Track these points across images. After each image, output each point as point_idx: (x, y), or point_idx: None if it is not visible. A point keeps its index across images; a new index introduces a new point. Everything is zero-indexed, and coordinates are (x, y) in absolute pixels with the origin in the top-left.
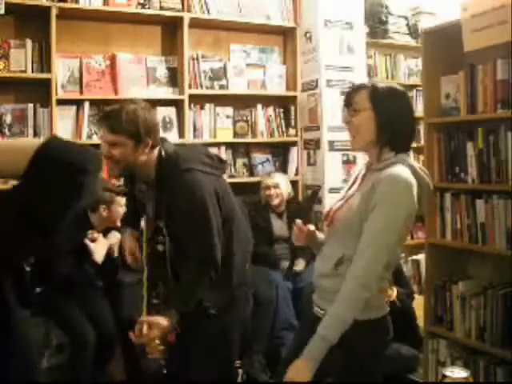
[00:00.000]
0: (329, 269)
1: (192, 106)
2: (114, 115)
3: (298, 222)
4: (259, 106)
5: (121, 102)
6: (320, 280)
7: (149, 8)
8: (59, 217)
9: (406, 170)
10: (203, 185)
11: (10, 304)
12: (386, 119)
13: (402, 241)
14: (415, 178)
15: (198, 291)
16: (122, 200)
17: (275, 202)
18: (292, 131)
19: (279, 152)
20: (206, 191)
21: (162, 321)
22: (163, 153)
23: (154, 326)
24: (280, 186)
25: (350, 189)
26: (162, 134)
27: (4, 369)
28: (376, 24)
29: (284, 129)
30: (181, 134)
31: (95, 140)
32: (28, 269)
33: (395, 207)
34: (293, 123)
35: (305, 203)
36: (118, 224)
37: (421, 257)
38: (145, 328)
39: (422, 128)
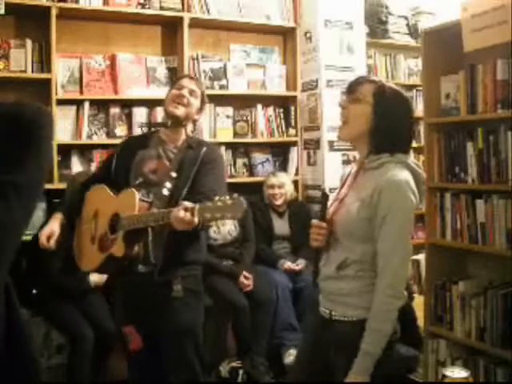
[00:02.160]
0: (332, 271)
1: None
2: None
3: (315, 221)
4: (259, 106)
5: (121, 102)
6: (324, 282)
7: (149, 8)
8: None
9: (403, 170)
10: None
11: (16, 304)
12: (383, 119)
13: None
14: (412, 175)
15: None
16: None
17: (279, 201)
18: (292, 131)
19: (279, 152)
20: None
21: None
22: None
23: None
24: (285, 186)
25: (342, 187)
26: None
27: (10, 368)
28: (376, 24)
29: (284, 129)
30: None
31: (95, 140)
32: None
33: (405, 213)
34: (293, 123)
35: (305, 203)
36: None
37: (421, 257)
38: None
39: (422, 128)
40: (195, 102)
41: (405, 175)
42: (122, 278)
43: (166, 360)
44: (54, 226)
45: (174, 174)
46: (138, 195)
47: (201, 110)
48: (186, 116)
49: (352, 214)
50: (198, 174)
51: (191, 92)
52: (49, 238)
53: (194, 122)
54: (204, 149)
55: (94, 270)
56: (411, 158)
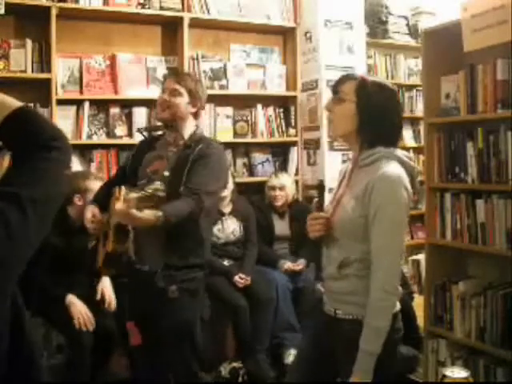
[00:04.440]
0: (334, 271)
1: None
2: (182, 72)
3: (315, 214)
4: (259, 106)
5: (121, 102)
6: (328, 281)
7: (149, 8)
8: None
9: (395, 165)
10: (224, 160)
11: (19, 303)
12: (368, 115)
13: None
14: (405, 169)
15: (184, 213)
16: (97, 188)
17: (279, 203)
18: (292, 131)
19: (279, 152)
20: (224, 164)
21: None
22: (198, 129)
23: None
24: (286, 187)
25: (339, 187)
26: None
27: (13, 368)
28: (376, 24)
29: (284, 129)
30: None
31: (95, 140)
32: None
33: (397, 208)
34: (293, 123)
35: (306, 204)
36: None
37: (421, 257)
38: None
39: (422, 128)
40: (180, 100)
41: (397, 171)
42: (125, 276)
43: (163, 359)
44: (95, 209)
45: (166, 173)
46: (120, 190)
47: (193, 103)
48: (173, 117)
49: (348, 213)
50: (189, 171)
51: (172, 92)
52: (93, 219)
53: (195, 116)
54: (200, 146)
55: (101, 266)
56: (403, 152)
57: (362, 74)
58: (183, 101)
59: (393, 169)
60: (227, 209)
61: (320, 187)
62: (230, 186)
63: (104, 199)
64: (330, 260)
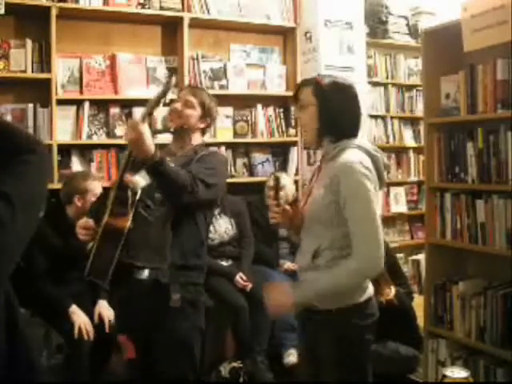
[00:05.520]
0: (308, 262)
1: None
2: (200, 88)
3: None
4: (259, 106)
5: (121, 102)
6: (301, 274)
7: (149, 8)
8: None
9: (355, 151)
10: (222, 161)
11: (14, 302)
12: (329, 114)
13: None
14: (368, 156)
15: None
16: (96, 188)
17: None
18: (292, 131)
19: (279, 152)
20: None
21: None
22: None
23: None
24: (285, 188)
25: (310, 183)
26: None
27: (8, 367)
28: (376, 24)
29: (284, 129)
30: None
31: (95, 140)
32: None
33: (363, 191)
34: (293, 123)
35: None
36: None
37: (421, 257)
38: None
39: (422, 128)
40: (192, 112)
41: (358, 156)
42: (120, 286)
43: (159, 369)
44: (89, 220)
45: None
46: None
47: (203, 119)
48: (181, 127)
49: (317, 200)
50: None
51: (186, 102)
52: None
53: (203, 132)
54: (203, 152)
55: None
56: (369, 144)
57: (316, 76)
58: (195, 113)
59: (354, 155)
60: (217, 208)
61: (275, 180)
62: None
63: (97, 213)
64: (301, 252)
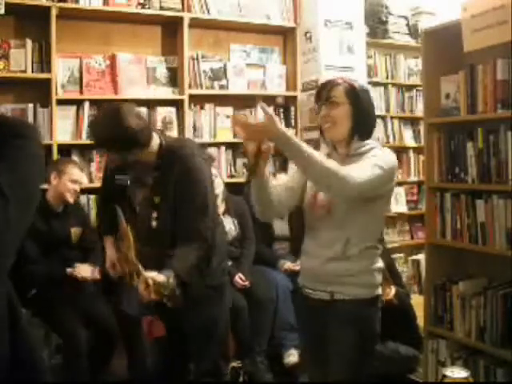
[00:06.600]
0: (337, 252)
1: (192, 106)
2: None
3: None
4: (259, 106)
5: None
6: (328, 265)
7: (149, 8)
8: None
9: (383, 149)
10: (205, 171)
11: (14, 302)
12: (362, 113)
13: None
14: None
15: (193, 262)
16: (75, 175)
17: None
18: (292, 131)
19: (279, 152)
20: (207, 177)
21: (158, 276)
22: (164, 142)
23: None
24: None
25: None
26: None
27: (12, 367)
28: (376, 24)
29: None
30: (181, 133)
31: None
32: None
33: (389, 163)
34: (293, 123)
35: None
36: (69, 199)
37: (421, 257)
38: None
39: (422, 128)
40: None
41: (392, 154)
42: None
43: (188, 351)
44: (111, 252)
45: (156, 200)
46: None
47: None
48: (128, 163)
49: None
50: (178, 201)
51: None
52: (114, 266)
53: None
54: (176, 165)
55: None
56: None
57: (341, 77)
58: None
59: (385, 151)
60: (221, 208)
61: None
62: (220, 184)
63: (111, 223)
64: (324, 244)
